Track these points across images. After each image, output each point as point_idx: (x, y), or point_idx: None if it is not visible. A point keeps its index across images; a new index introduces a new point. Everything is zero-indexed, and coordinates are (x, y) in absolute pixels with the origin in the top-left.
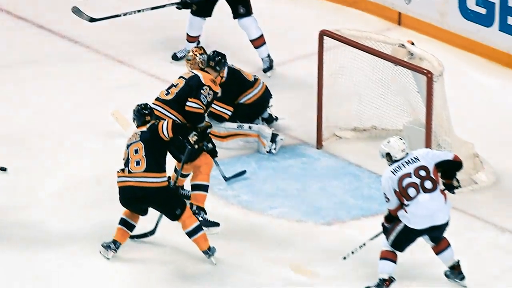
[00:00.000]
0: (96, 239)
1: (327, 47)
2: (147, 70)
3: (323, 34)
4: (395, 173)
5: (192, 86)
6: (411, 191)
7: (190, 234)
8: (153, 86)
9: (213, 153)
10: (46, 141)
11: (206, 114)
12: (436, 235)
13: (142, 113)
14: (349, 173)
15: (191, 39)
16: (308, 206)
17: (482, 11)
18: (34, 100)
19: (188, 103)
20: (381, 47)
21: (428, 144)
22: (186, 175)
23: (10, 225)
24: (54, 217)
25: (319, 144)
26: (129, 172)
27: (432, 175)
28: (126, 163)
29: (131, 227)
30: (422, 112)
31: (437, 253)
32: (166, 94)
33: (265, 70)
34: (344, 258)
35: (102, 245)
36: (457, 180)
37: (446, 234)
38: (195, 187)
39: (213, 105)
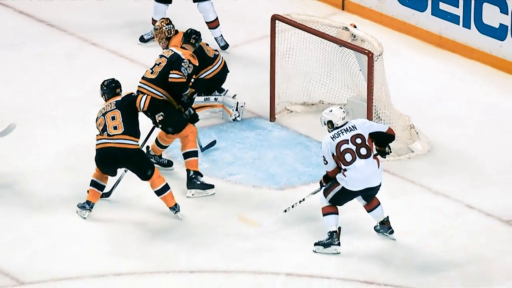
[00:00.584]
0: (72, 201)
1: (278, 30)
2: (118, 51)
3: (275, 18)
4: (334, 139)
5: (173, 63)
6: (348, 156)
7: (159, 192)
8: (123, 65)
9: (195, 118)
10: (26, 116)
11: (189, 84)
12: (369, 195)
13: (112, 87)
14: (299, 143)
15: (155, 22)
16: (263, 173)
17: None
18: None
19: (170, 75)
20: (327, 30)
21: (369, 117)
22: (165, 147)
23: None
24: (35, 183)
25: (272, 117)
26: (108, 135)
27: (367, 143)
28: (104, 129)
29: (101, 187)
30: (364, 88)
31: (368, 211)
32: (151, 73)
33: (223, 48)
34: (285, 211)
35: (78, 206)
36: (389, 147)
37: (383, 196)
38: (187, 154)
39: None
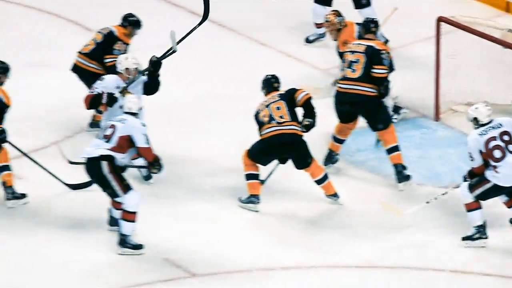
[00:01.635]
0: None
1: (443, 31)
2: (285, 50)
3: (440, 20)
4: (481, 135)
5: (373, 57)
6: (497, 153)
7: (319, 181)
8: (291, 65)
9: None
10: (197, 111)
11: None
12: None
13: (272, 82)
14: (463, 142)
15: (318, 25)
16: (428, 171)
17: None
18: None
19: (375, 71)
20: (492, 32)
21: None
22: (342, 141)
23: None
24: (201, 176)
25: (437, 117)
26: (278, 123)
27: None
28: (271, 118)
29: (257, 176)
30: None
31: (509, 207)
32: (353, 72)
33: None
34: (427, 202)
35: (242, 202)
36: None
37: None
38: (392, 149)
39: None
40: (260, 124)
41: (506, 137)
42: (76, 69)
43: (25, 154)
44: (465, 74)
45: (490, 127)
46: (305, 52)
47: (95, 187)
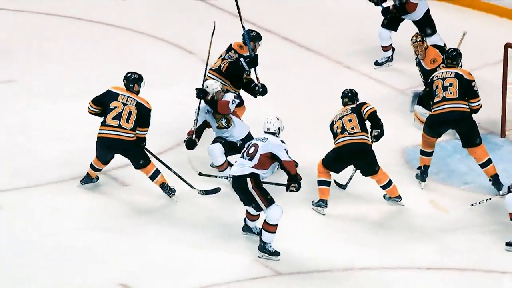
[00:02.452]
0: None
1: (511, 56)
2: (367, 73)
3: (508, 46)
4: None
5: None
6: None
7: (385, 186)
8: (371, 86)
9: None
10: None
11: None
12: None
13: (346, 96)
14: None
15: (385, 48)
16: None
17: None
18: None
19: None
20: None
21: None
22: (431, 154)
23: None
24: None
25: (503, 134)
26: (349, 133)
27: None
28: (343, 130)
29: (328, 183)
30: None
31: None
32: (451, 94)
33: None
34: (472, 205)
35: (313, 205)
36: None
37: None
38: (486, 163)
39: None
40: (334, 135)
41: None
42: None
43: (160, 161)
44: None
45: None
46: (384, 75)
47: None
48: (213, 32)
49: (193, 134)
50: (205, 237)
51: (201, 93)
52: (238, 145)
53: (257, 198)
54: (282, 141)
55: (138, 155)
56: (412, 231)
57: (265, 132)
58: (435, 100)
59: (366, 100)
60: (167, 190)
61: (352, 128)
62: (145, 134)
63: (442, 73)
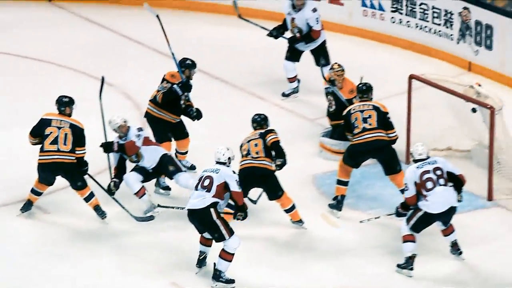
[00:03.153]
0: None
1: (414, 88)
2: (279, 104)
3: (411, 77)
4: (418, 168)
5: None
6: (429, 184)
7: (288, 210)
8: (281, 116)
9: None
10: None
11: None
12: (447, 219)
13: (259, 121)
14: None
15: (291, 80)
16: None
17: None
18: None
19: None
20: (456, 88)
21: (490, 161)
22: (348, 183)
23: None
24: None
25: (407, 161)
26: (252, 158)
27: (445, 176)
28: (248, 153)
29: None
30: (486, 137)
31: (445, 235)
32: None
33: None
34: (361, 221)
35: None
36: (461, 197)
37: (501, 229)
38: (403, 190)
39: None
40: (241, 156)
41: (438, 172)
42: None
43: (100, 186)
44: (432, 124)
45: (426, 162)
46: (292, 105)
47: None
48: (101, 85)
49: (115, 177)
50: (152, 264)
51: (107, 148)
52: (151, 171)
53: (221, 228)
54: (234, 172)
55: (78, 177)
56: (316, 253)
57: (217, 163)
58: (355, 132)
59: (279, 130)
60: (100, 212)
61: (257, 153)
62: (83, 153)
63: (359, 105)
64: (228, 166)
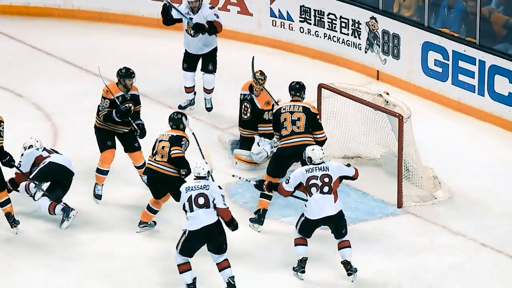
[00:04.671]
0: None
1: (324, 96)
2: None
3: (321, 86)
4: (307, 172)
5: None
6: (313, 190)
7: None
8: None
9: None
10: None
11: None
12: (332, 227)
13: (176, 119)
14: (341, 191)
15: (188, 89)
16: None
17: (439, 69)
18: None
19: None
20: (365, 96)
21: (399, 169)
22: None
23: None
24: None
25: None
26: (155, 160)
27: (332, 184)
28: (155, 153)
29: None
30: (395, 145)
31: (339, 249)
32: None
33: (208, 109)
34: (233, 175)
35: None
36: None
37: (410, 235)
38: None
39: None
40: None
41: (326, 179)
42: None
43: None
44: (342, 132)
45: (318, 167)
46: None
47: None
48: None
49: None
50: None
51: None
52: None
53: (225, 240)
54: (219, 187)
55: None
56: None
57: (197, 177)
58: (283, 133)
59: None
60: (11, 220)
61: (162, 156)
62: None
63: (290, 106)
64: (207, 179)
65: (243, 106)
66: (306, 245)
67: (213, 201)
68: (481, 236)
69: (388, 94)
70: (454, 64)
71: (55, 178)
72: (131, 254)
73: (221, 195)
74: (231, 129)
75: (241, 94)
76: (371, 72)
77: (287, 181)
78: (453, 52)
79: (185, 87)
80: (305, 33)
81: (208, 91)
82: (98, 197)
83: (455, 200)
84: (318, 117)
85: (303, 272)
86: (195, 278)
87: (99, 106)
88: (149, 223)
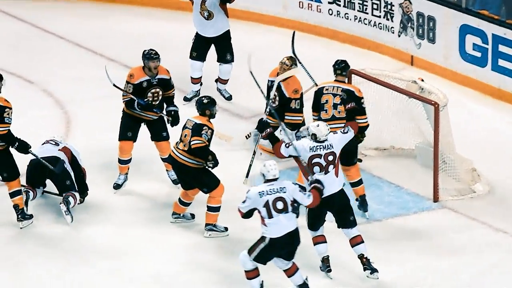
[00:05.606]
0: None
1: (354, 83)
2: None
3: (352, 72)
4: (311, 150)
5: None
6: (316, 169)
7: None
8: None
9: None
10: None
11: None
12: (335, 212)
13: (201, 104)
14: (372, 184)
15: (195, 80)
16: None
17: (478, 54)
18: None
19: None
20: (398, 83)
21: (436, 160)
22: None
23: None
24: None
25: None
26: (177, 148)
27: (336, 161)
28: (179, 141)
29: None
30: (431, 135)
31: (352, 246)
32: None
33: (228, 98)
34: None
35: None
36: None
37: (449, 232)
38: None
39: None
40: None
41: (330, 158)
42: None
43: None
44: (374, 121)
45: (322, 146)
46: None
47: None
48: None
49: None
50: None
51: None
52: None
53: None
54: (294, 183)
55: (5, 167)
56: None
57: (269, 180)
58: (322, 116)
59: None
60: (18, 213)
61: (185, 145)
62: (4, 130)
63: (333, 87)
64: (281, 180)
65: (272, 95)
66: (326, 242)
67: (291, 204)
68: None
69: (423, 80)
70: (493, 49)
71: (44, 174)
72: (149, 250)
73: (299, 191)
74: (254, 118)
75: (268, 81)
76: (404, 57)
77: (287, 146)
78: (492, 36)
79: (191, 77)
80: (334, 15)
81: (224, 82)
82: (116, 186)
83: (495, 194)
84: (362, 101)
85: (329, 271)
86: (262, 281)
87: (123, 91)
88: (182, 215)
